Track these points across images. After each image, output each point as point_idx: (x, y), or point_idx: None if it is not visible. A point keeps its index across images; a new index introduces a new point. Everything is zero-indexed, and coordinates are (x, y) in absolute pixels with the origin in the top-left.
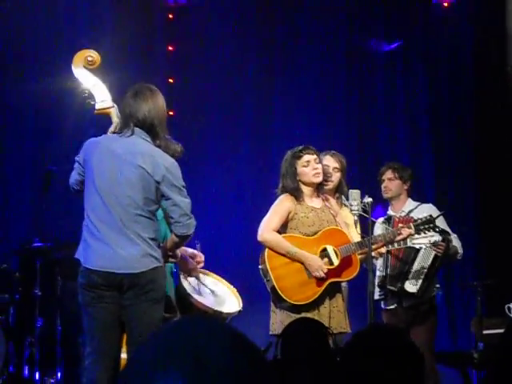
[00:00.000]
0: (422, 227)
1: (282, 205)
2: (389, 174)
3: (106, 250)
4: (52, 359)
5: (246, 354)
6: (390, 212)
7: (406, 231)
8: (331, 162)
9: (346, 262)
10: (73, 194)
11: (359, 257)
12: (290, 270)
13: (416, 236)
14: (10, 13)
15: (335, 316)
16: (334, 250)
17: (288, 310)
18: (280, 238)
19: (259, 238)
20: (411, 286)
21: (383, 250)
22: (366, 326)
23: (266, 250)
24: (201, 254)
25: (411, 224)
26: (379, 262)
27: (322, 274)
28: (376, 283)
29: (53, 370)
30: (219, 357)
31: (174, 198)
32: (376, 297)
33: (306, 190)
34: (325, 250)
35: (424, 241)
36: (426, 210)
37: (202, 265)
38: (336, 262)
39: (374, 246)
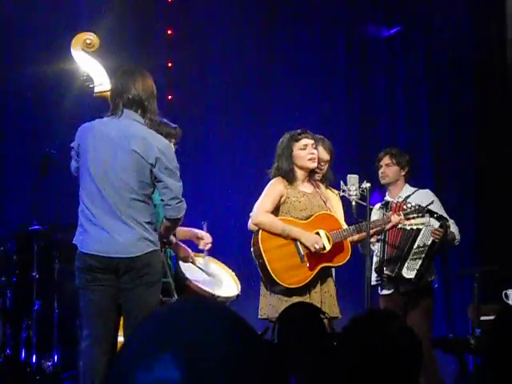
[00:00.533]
0: (411, 215)
1: (274, 188)
2: (386, 159)
3: (102, 235)
4: (49, 342)
5: (243, 339)
6: (387, 198)
7: (395, 218)
8: (323, 154)
9: (337, 248)
10: (74, 181)
11: (356, 241)
12: (283, 253)
13: (411, 222)
14: None
15: (326, 301)
16: (327, 235)
17: (279, 293)
18: (274, 218)
19: (254, 220)
20: (408, 272)
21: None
22: (363, 311)
23: (260, 231)
24: (208, 235)
25: (401, 212)
26: (376, 247)
27: (320, 246)
28: (373, 268)
29: (50, 352)
30: (217, 341)
31: (165, 181)
32: (373, 282)
33: (299, 173)
34: (317, 234)
35: (418, 221)
36: (424, 195)
37: (209, 246)
38: (328, 246)
39: (364, 234)
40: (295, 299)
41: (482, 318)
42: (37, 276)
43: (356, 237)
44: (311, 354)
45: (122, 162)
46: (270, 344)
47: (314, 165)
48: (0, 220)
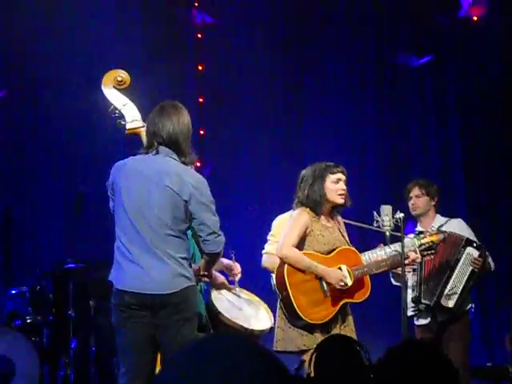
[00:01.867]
0: (425, 253)
1: (300, 220)
2: (416, 190)
3: (138, 271)
4: (86, 380)
5: (273, 375)
6: (419, 229)
7: (412, 255)
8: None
9: (358, 283)
10: (110, 218)
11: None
12: (308, 288)
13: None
14: (42, 34)
15: (348, 334)
16: (348, 270)
17: (301, 328)
18: (300, 253)
19: (278, 253)
20: (447, 301)
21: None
22: (400, 341)
23: (286, 265)
24: (237, 265)
25: (417, 248)
26: (411, 277)
27: (346, 283)
28: (409, 298)
29: None
30: (248, 378)
31: (201, 217)
32: (409, 313)
33: (325, 206)
34: (339, 269)
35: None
36: (456, 224)
37: (239, 276)
38: (349, 282)
39: (381, 270)
40: (316, 334)
41: None
42: (73, 314)
43: (377, 272)
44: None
45: (156, 198)
46: (306, 377)
47: (341, 201)
48: (35, 259)
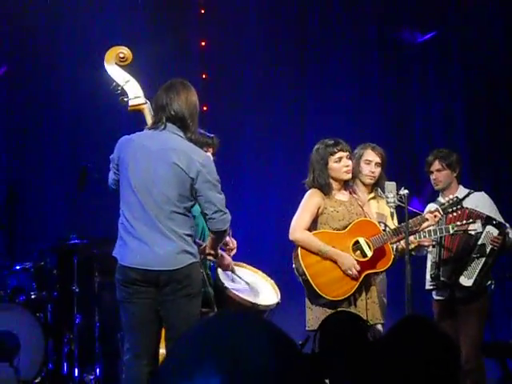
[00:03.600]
0: (449, 209)
1: (311, 201)
2: (436, 164)
3: (143, 248)
4: (91, 355)
5: (283, 351)
6: (441, 200)
7: (432, 217)
8: (373, 156)
9: (379, 253)
10: (111, 193)
11: (396, 247)
12: (325, 267)
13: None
14: (43, 11)
15: (370, 308)
16: (367, 242)
17: (324, 306)
18: (311, 236)
19: (291, 237)
20: (466, 280)
21: (430, 241)
22: (400, 318)
23: (299, 248)
24: (233, 241)
25: (438, 208)
26: (432, 252)
27: (355, 273)
28: (429, 275)
29: (92, 366)
30: (256, 354)
31: (207, 195)
32: (427, 286)
33: (334, 184)
34: (357, 242)
35: (470, 228)
36: (478, 198)
37: (234, 251)
38: (369, 253)
39: (400, 237)
40: (341, 309)
41: None
42: (77, 290)
43: (396, 239)
44: (353, 362)
45: (163, 174)
46: (311, 353)
47: (348, 176)
48: (40, 234)
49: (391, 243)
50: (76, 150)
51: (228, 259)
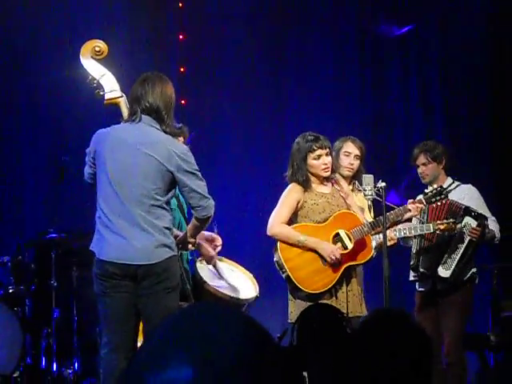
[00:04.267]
0: (433, 199)
1: (291, 196)
2: (421, 158)
3: (120, 242)
4: (69, 350)
5: (256, 342)
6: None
7: (415, 208)
8: (352, 148)
9: (359, 245)
10: (87, 187)
11: (374, 242)
12: (305, 260)
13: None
14: (21, 4)
15: (351, 300)
16: (347, 234)
17: (305, 299)
18: (289, 229)
19: (268, 232)
20: (444, 271)
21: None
22: (370, 312)
23: (278, 242)
24: (219, 238)
25: (422, 198)
26: (413, 243)
27: (337, 258)
28: (410, 265)
29: (70, 360)
30: (229, 345)
31: (190, 185)
32: (410, 278)
33: (313, 179)
34: (337, 234)
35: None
36: (465, 190)
37: (219, 248)
38: (350, 245)
39: (380, 228)
40: (322, 302)
41: (503, 314)
42: (55, 284)
43: (377, 231)
44: (331, 354)
45: (141, 167)
46: (289, 346)
47: (327, 174)
48: (17, 229)
49: (371, 235)
50: (54, 144)
51: (211, 251)
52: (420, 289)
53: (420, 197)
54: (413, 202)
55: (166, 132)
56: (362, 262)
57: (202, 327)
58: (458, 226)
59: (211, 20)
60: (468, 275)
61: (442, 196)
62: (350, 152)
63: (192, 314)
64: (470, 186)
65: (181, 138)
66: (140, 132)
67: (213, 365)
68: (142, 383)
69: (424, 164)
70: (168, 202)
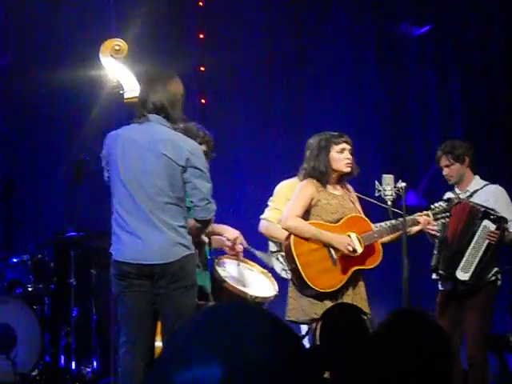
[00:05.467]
0: (439, 216)
1: (305, 191)
2: (444, 160)
3: (136, 242)
4: (88, 348)
5: (284, 342)
6: (456, 190)
7: (422, 220)
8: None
9: (369, 250)
10: (107, 188)
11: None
12: (316, 257)
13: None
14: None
15: (358, 303)
16: (358, 238)
17: (311, 297)
18: (304, 222)
19: (283, 225)
20: (462, 274)
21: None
22: (390, 312)
23: (292, 236)
24: (240, 246)
25: (429, 212)
26: (434, 246)
27: (354, 249)
28: (431, 266)
29: (89, 358)
30: (257, 344)
31: (194, 182)
32: (433, 276)
33: (332, 176)
34: (348, 236)
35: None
36: (491, 191)
37: (241, 255)
38: (360, 249)
39: (396, 235)
40: (327, 302)
41: None
42: (74, 283)
43: (388, 238)
44: (354, 354)
45: (153, 166)
46: (311, 346)
47: (348, 169)
48: (37, 227)
49: (384, 241)
50: (73, 142)
51: (235, 233)
52: (442, 288)
53: (449, 194)
54: (419, 215)
55: (175, 129)
56: (370, 267)
57: (230, 325)
58: (474, 228)
59: (230, 18)
60: (490, 277)
61: (448, 214)
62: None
63: (219, 312)
64: (497, 186)
65: (203, 146)
66: (150, 131)
67: (241, 363)
68: (169, 381)
69: (447, 166)
70: (183, 200)
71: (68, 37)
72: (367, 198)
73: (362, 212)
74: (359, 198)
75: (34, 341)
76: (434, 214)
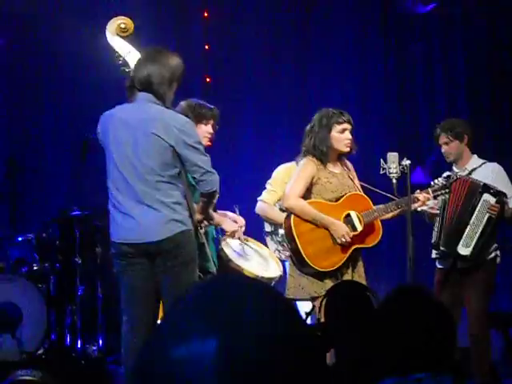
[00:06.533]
0: (438, 192)
1: (306, 170)
2: (443, 138)
3: (130, 222)
4: (93, 327)
5: (284, 316)
6: (454, 168)
7: (421, 197)
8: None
9: (369, 228)
10: None
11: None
12: (316, 236)
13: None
14: None
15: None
16: (358, 216)
17: (311, 275)
18: (305, 204)
19: (284, 204)
20: (464, 249)
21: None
22: (393, 288)
23: (292, 215)
24: (241, 218)
25: (429, 189)
26: (435, 223)
27: (348, 240)
28: (432, 243)
29: (94, 337)
30: (257, 318)
31: (191, 158)
32: (432, 255)
33: (332, 154)
34: (348, 215)
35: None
36: (490, 169)
37: (243, 229)
38: (359, 227)
39: (396, 212)
40: (326, 281)
41: None
42: (79, 261)
43: (388, 215)
44: (357, 330)
45: (143, 145)
46: (316, 323)
47: (347, 149)
48: (41, 206)
49: (384, 218)
50: (77, 121)
51: (234, 225)
52: (440, 266)
53: (447, 173)
54: (418, 193)
55: (167, 107)
56: (370, 245)
57: (228, 298)
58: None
59: None
60: (491, 252)
61: (447, 190)
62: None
63: (217, 285)
64: (495, 164)
65: (210, 121)
66: (139, 110)
67: (239, 338)
68: (164, 356)
69: (446, 143)
70: (176, 177)
71: (72, 14)
72: (369, 186)
73: (360, 189)
74: (362, 186)
75: (40, 319)
76: (433, 191)
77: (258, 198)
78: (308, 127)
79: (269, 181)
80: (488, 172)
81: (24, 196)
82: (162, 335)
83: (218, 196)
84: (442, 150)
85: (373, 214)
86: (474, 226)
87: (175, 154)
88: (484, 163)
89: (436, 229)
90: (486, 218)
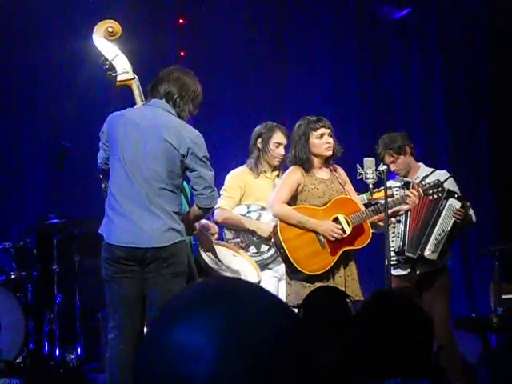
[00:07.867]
0: (430, 191)
1: (291, 177)
2: (388, 157)
3: (129, 226)
4: (72, 335)
5: (283, 321)
6: (407, 179)
7: (414, 195)
8: (282, 139)
9: (357, 230)
10: (101, 173)
11: (376, 223)
12: (303, 241)
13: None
14: None
15: (350, 285)
16: (346, 219)
17: (303, 280)
18: (290, 208)
19: (271, 211)
20: (431, 254)
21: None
22: (370, 294)
23: (278, 222)
24: (214, 226)
25: (419, 188)
26: (397, 228)
27: (339, 233)
28: (393, 250)
29: (73, 345)
30: (256, 320)
31: (199, 170)
32: (386, 262)
33: (315, 161)
34: (336, 219)
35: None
36: (441, 176)
37: (216, 236)
38: (348, 230)
39: (382, 214)
40: (318, 285)
41: (504, 296)
42: (57, 269)
43: (376, 218)
44: (337, 337)
45: (153, 150)
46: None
47: (330, 153)
48: (19, 214)
49: (371, 221)
50: (54, 129)
51: (210, 240)
52: (397, 273)
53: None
54: (412, 192)
55: (181, 118)
56: (360, 247)
57: (230, 299)
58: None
59: (211, 3)
60: (449, 258)
61: (440, 189)
62: (280, 143)
63: (220, 285)
64: (445, 171)
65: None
66: (154, 116)
67: (237, 339)
68: (162, 353)
69: (393, 162)
70: (179, 187)
71: (48, 21)
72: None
73: (354, 193)
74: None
75: (18, 328)
76: (424, 191)
77: (215, 206)
78: (291, 142)
79: (223, 187)
80: (439, 178)
81: (1, 204)
82: (157, 334)
83: (210, 212)
84: (392, 169)
85: (361, 215)
86: (441, 230)
87: (183, 164)
88: (434, 171)
89: (398, 235)
90: (451, 222)
